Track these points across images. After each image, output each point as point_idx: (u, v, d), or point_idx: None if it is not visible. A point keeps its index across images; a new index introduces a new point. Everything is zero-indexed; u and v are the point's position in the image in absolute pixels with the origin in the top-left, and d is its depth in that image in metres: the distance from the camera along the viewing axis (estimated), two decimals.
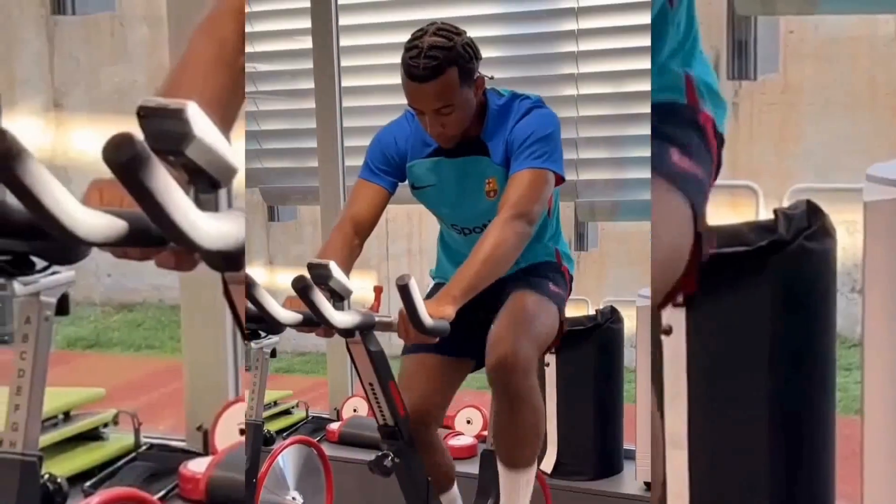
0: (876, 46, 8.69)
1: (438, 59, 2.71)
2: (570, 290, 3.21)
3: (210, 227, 0.96)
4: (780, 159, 8.68)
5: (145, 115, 0.94)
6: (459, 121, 2.82)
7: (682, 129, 1.93)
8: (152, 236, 1.00)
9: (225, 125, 1.65)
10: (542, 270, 3.07)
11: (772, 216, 2.62)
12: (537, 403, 2.87)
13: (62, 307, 1.89)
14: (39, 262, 1.80)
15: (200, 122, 0.96)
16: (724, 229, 2.55)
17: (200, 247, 0.95)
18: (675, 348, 2.16)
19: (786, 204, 3.81)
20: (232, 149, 1.02)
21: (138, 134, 0.89)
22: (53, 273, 1.82)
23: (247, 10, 5.48)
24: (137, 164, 0.85)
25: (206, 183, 1.03)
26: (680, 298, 2.40)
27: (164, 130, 0.94)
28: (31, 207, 0.88)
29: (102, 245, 0.99)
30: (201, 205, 1.02)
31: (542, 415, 2.92)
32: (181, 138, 0.95)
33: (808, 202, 2.57)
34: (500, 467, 2.94)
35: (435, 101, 2.75)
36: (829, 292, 2.61)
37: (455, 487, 3.16)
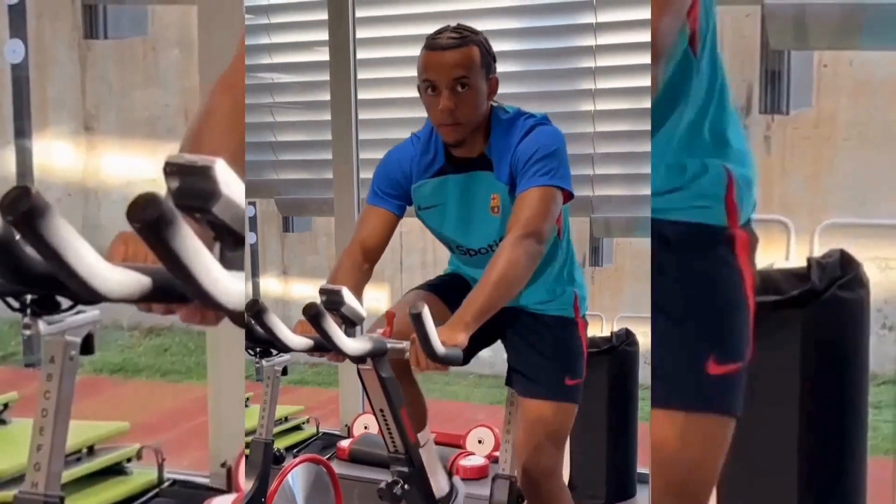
0: None
1: (463, 34, 2.79)
2: (586, 340, 3.19)
3: (235, 287, 0.95)
4: (813, 194, 8.65)
5: (172, 171, 0.93)
6: (471, 106, 2.79)
7: (717, 295, 1.86)
8: (176, 293, 0.98)
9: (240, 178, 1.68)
10: (558, 346, 3.08)
11: (803, 251, 2.60)
12: (563, 499, 3.12)
13: (87, 346, 1.88)
14: (65, 302, 1.81)
15: (228, 180, 0.95)
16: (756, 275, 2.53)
17: (225, 307, 0.94)
18: None
19: (817, 239, 3.78)
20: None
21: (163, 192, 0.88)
22: (79, 312, 1.82)
23: (266, 21, 5.48)
24: (163, 224, 0.84)
25: (232, 240, 1.01)
26: None
27: (192, 187, 0.93)
28: (53, 263, 0.87)
29: (124, 301, 0.97)
30: (226, 263, 1.00)
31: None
32: (208, 196, 0.93)
33: (842, 252, 2.55)
34: None
35: (454, 70, 2.75)
36: (861, 342, 2.58)
37: (428, 427, 3.13)
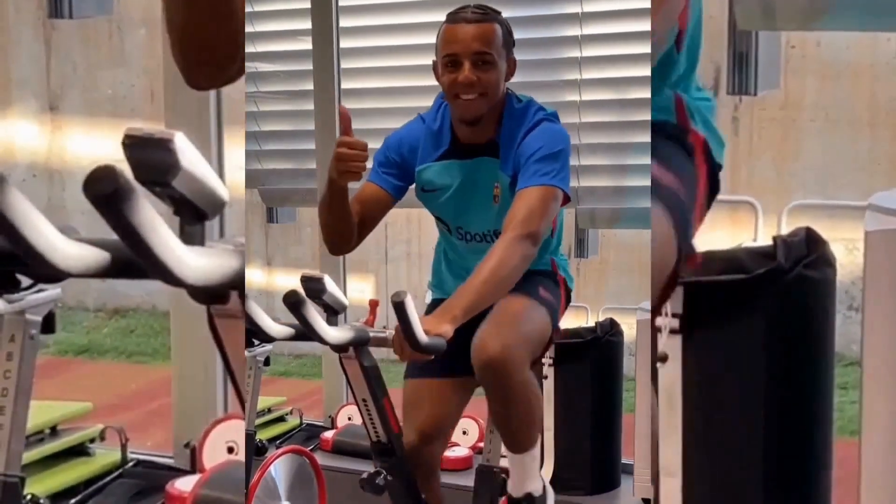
0: (877, 64, 8.67)
1: (486, 10, 2.82)
2: (569, 301, 3.16)
3: (195, 263, 0.93)
4: (780, 175, 8.65)
5: (131, 143, 0.91)
6: (492, 82, 2.80)
7: (667, 145, 1.95)
8: (135, 268, 0.96)
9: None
10: (534, 276, 2.98)
11: (771, 232, 2.61)
12: (532, 397, 2.82)
13: (48, 325, 1.85)
14: (25, 280, 1.78)
15: (188, 153, 0.93)
16: (721, 255, 2.53)
17: (184, 282, 0.92)
18: (671, 376, 2.14)
19: (785, 220, 3.79)
20: (220, 180, 0.99)
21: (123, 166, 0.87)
22: (39, 290, 1.79)
23: (249, 10, 5.42)
24: (119, 198, 0.82)
25: (193, 215, 1.00)
26: (676, 323, 2.39)
27: (150, 160, 0.92)
28: (10, 238, 0.85)
29: (83, 276, 0.96)
30: (186, 237, 0.99)
31: (537, 404, 2.88)
32: (167, 169, 0.92)
33: (808, 230, 2.55)
34: (505, 450, 2.94)
35: (477, 43, 2.76)
36: (827, 321, 2.59)
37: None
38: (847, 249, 3.97)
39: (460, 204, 2.98)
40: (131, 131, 0.92)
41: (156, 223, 0.86)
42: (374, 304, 2.66)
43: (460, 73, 2.77)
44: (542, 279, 3.03)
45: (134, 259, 0.92)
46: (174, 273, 0.90)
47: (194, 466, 3.93)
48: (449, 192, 2.97)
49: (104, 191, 0.81)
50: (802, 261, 2.48)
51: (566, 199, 2.84)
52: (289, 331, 2.41)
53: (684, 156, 1.97)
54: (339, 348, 2.48)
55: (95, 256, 0.95)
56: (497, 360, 2.64)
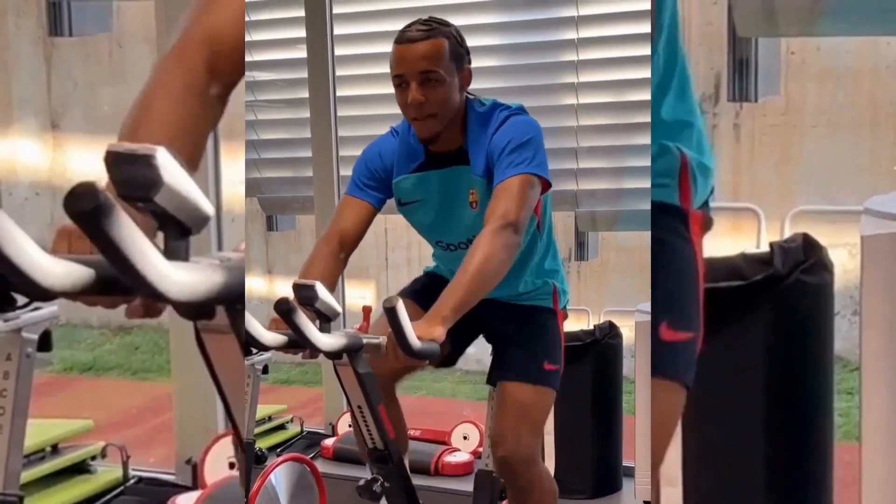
0: (877, 68, 8.68)
1: (432, 26, 2.77)
2: (563, 331, 3.18)
3: (178, 278, 0.93)
4: (782, 181, 8.66)
5: (113, 160, 0.91)
6: (442, 99, 2.77)
7: (671, 264, 1.92)
8: (121, 285, 0.96)
9: (194, 156, 1.63)
10: (537, 332, 3.07)
11: (774, 238, 2.61)
12: (546, 483, 3.07)
13: (44, 343, 1.85)
14: (20, 298, 1.77)
15: (170, 168, 0.93)
16: (719, 262, 2.53)
17: (167, 297, 0.92)
18: None
19: (787, 225, 3.78)
20: (203, 195, 0.99)
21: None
22: (35, 309, 1.79)
23: (246, 19, 5.47)
24: (100, 214, 0.82)
25: (177, 230, 0.99)
26: None
27: (133, 176, 0.91)
28: None
29: (69, 295, 0.95)
30: (171, 253, 0.98)
31: (550, 489, 3.09)
32: (150, 185, 0.92)
33: (805, 235, 2.55)
34: None
35: (423, 62, 2.73)
36: (825, 326, 2.58)
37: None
38: (850, 254, 3.96)
39: (439, 214, 2.98)
40: (113, 147, 0.92)
41: (137, 239, 0.86)
42: (367, 311, 2.66)
43: (406, 97, 2.76)
44: (545, 334, 3.09)
45: (117, 275, 0.92)
46: (157, 289, 0.89)
47: (196, 482, 3.93)
48: (427, 204, 2.98)
49: (85, 207, 0.81)
50: (800, 266, 2.47)
51: (546, 186, 2.83)
52: (282, 339, 2.41)
53: (689, 265, 1.95)
54: (333, 355, 2.48)
55: (80, 274, 0.95)
56: (512, 457, 2.93)
